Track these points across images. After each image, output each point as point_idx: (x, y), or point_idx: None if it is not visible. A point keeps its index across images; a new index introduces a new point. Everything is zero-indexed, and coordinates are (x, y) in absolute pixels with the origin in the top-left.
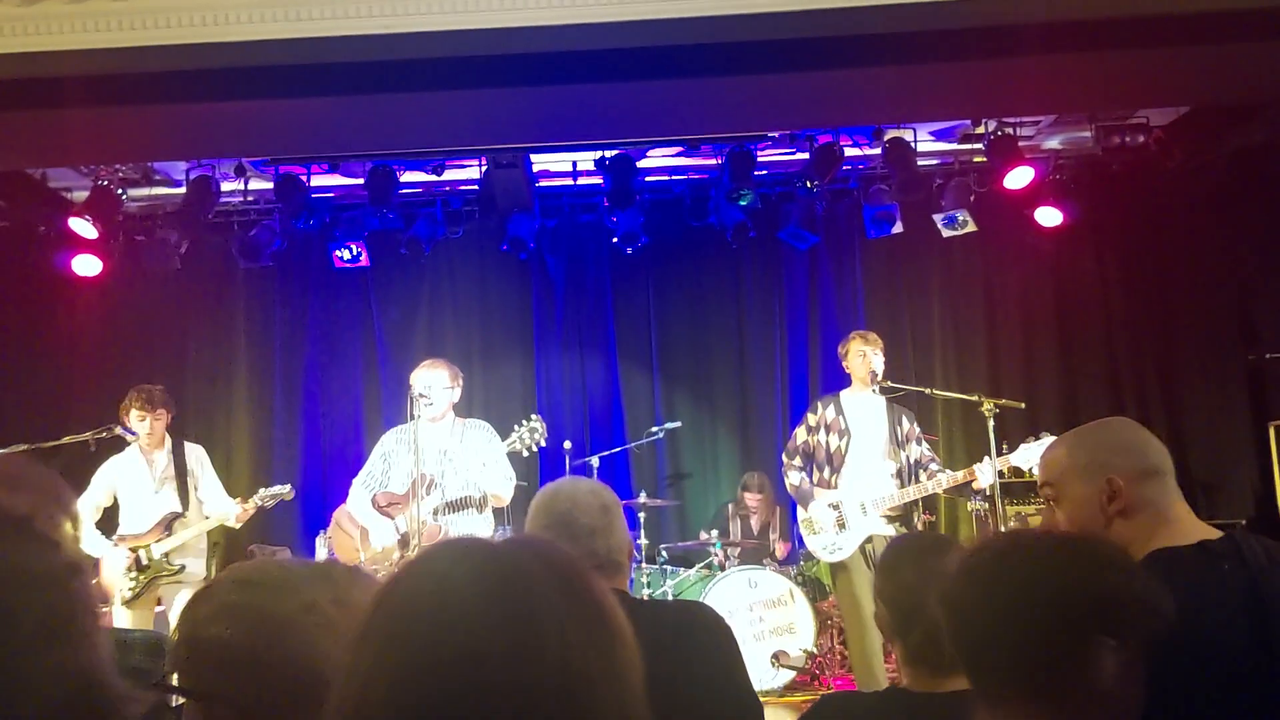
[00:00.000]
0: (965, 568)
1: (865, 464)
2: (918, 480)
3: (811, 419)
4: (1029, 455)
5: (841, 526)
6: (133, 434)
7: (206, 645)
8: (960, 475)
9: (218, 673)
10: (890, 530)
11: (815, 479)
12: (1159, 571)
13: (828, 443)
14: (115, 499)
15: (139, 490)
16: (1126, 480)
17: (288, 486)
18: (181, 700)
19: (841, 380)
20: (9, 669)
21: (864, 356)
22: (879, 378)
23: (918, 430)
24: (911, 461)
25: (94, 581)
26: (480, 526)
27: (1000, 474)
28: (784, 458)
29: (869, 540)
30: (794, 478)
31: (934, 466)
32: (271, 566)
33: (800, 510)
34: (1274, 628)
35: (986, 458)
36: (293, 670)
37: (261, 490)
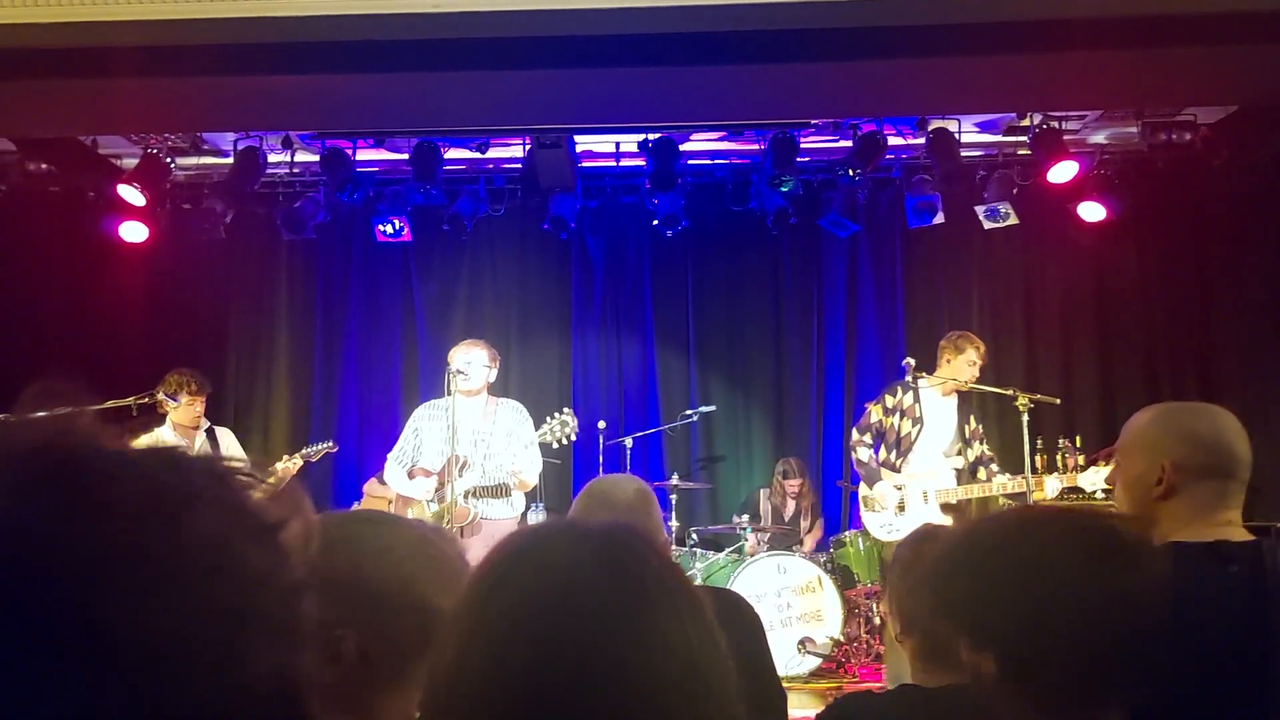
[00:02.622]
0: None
1: (931, 454)
2: (975, 477)
3: (890, 400)
4: (1096, 478)
5: (901, 509)
6: (175, 400)
7: (329, 577)
8: (1024, 483)
9: (341, 604)
10: (946, 521)
11: (880, 459)
12: None
13: (899, 426)
14: None
15: None
16: (1180, 470)
17: (329, 441)
18: None
19: (876, 369)
20: (228, 670)
21: (973, 365)
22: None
23: (981, 430)
24: (972, 459)
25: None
26: (510, 509)
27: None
28: (854, 433)
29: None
30: (862, 454)
31: (994, 467)
32: (365, 510)
33: (863, 487)
34: (1269, 636)
35: (1055, 473)
36: (411, 600)
37: (306, 448)
